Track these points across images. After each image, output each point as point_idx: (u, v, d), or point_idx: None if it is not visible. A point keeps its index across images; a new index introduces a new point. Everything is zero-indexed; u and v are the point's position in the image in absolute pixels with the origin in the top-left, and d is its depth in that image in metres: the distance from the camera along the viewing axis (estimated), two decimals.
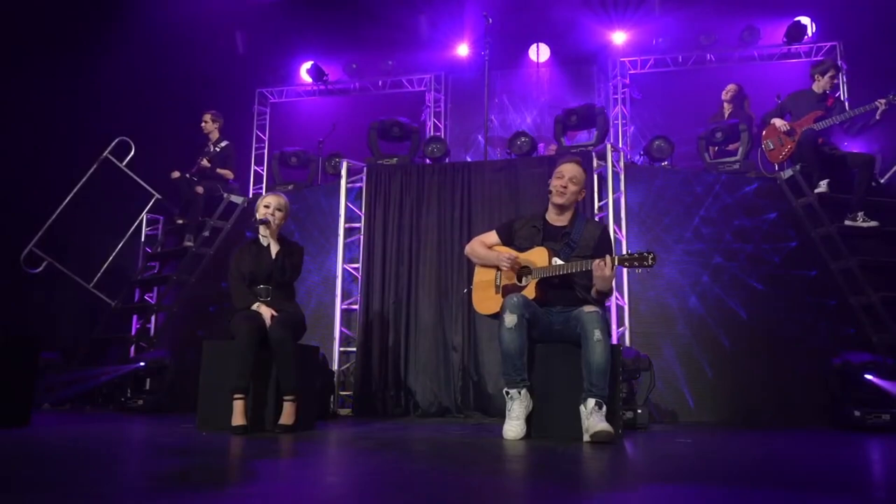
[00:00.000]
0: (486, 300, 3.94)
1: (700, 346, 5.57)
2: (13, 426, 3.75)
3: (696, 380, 5.50)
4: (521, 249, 3.87)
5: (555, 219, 3.92)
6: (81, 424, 4.30)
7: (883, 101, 5.51)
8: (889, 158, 6.28)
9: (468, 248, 4.14)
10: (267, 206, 4.22)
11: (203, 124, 7.18)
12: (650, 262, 3.44)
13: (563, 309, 3.71)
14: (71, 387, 5.90)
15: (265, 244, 4.21)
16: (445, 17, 8.82)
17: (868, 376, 4.62)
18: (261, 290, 4.10)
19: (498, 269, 3.90)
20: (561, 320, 3.69)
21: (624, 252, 4.47)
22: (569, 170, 3.87)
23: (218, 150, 7.07)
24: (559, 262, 3.67)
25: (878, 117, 5.56)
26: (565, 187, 3.84)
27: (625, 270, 5.70)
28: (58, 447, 2.94)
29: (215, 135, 7.16)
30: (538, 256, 3.76)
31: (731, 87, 7.37)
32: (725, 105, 7.38)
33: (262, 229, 4.21)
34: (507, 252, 3.82)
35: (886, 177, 6.19)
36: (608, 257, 3.51)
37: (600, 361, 3.41)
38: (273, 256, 4.15)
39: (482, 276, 4.00)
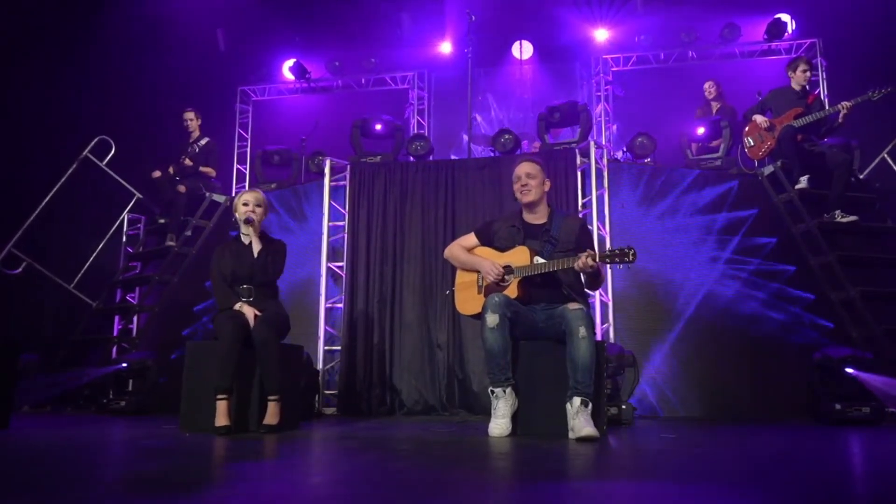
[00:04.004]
0: (468, 301, 3.93)
1: (683, 341, 5.60)
2: None
3: (680, 375, 5.54)
4: (502, 250, 3.87)
5: (531, 218, 3.92)
6: (62, 427, 4.25)
7: (846, 103, 5.57)
8: (869, 153, 6.34)
9: (447, 253, 4.10)
10: (246, 204, 4.16)
11: (188, 122, 7.08)
12: (631, 258, 3.44)
13: (547, 306, 3.71)
14: (51, 389, 5.83)
15: (247, 242, 4.17)
16: (428, 14, 8.81)
17: (848, 370, 4.66)
18: (243, 290, 4.06)
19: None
20: (545, 317, 3.69)
21: (606, 248, 4.48)
22: (522, 168, 3.89)
23: (199, 147, 6.99)
24: (541, 260, 3.68)
25: (840, 120, 5.62)
26: (525, 185, 3.85)
27: (608, 267, 5.72)
28: (38, 450, 2.90)
29: (196, 133, 7.09)
30: (520, 256, 3.76)
31: (712, 85, 7.39)
32: (712, 103, 7.39)
33: (244, 227, 4.17)
34: (491, 263, 3.77)
35: (866, 172, 6.26)
36: (589, 251, 3.51)
37: (585, 358, 3.42)
38: (255, 255, 4.11)
39: (464, 278, 3.99)
